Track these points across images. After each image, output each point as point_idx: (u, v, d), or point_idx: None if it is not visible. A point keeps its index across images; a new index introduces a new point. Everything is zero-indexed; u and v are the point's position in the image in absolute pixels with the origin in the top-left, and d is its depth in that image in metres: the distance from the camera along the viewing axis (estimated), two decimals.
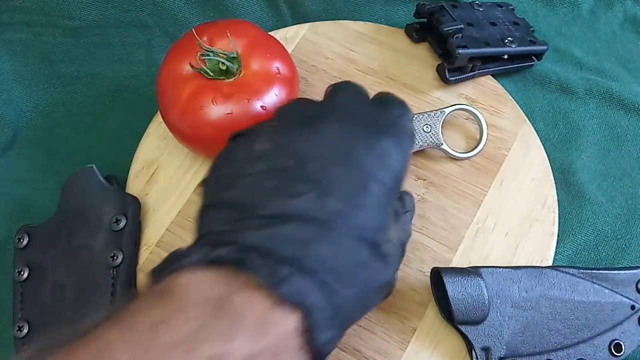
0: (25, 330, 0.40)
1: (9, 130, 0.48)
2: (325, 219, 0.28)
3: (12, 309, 0.41)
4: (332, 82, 0.35)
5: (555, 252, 0.41)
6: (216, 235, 0.28)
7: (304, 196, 0.28)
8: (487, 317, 0.37)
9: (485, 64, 0.45)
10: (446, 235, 0.41)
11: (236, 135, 0.33)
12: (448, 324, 0.38)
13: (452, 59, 0.43)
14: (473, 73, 0.45)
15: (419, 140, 0.42)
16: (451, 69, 0.45)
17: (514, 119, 0.45)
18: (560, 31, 0.50)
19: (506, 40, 0.45)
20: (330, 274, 0.27)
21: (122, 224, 0.41)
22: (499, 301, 0.37)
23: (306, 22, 0.50)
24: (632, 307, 0.37)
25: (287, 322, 0.25)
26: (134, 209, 0.42)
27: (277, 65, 0.39)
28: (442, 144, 0.42)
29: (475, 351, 0.37)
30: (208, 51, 0.38)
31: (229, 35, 0.39)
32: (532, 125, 0.45)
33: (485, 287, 0.37)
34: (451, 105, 0.43)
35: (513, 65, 0.47)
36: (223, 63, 0.38)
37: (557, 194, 0.43)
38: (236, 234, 0.27)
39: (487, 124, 0.43)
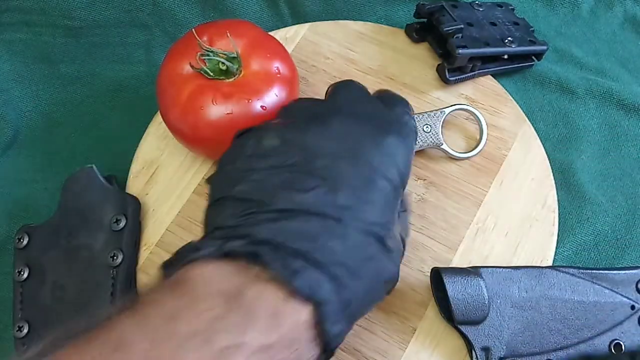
0: (25, 330, 0.40)
1: (9, 130, 0.48)
2: (335, 214, 0.28)
3: (12, 309, 0.41)
4: (332, 82, 0.36)
5: (555, 252, 0.41)
6: (227, 229, 0.29)
7: (314, 191, 0.28)
8: (487, 317, 0.37)
9: (485, 64, 0.45)
10: (446, 235, 0.41)
11: (241, 134, 0.33)
12: (448, 324, 0.38)
13: (452, 59, 0.43)
14: (473, 73, 0.45)
15: (419, 140, 0.42)
16: (451, 69, 0.45)
17: (514, 119, 0.45)
18: (560, 31, 0.50)
19: (506, 40, 0.45)
20: (340, 267, 0.27)
21: (122, 224, 0.41)
22: (499, 301, 0.37)
23: (306, 22, 0.50)
24: (632, 307, 0.37)
25: (300, 315, 0.26)
26: (134, 209, 0.42)
27: (277, 65, 0.39)
28: (442, 144, 0.42)
29: (475, 351, 0.37)
30: (208, 51, 0.38)
31: (229, 35, 0.39)
32: (532, 125, 0.45)
33: (485, 287, 0.37)
34: (451, 105, 0.43)
35: (513, 65, 0.47)
36: (223, 63, 0.38)
37: (557, 194, 0.43)
38: (247, 227, 0.28)
39: (487, 124, 0.43)
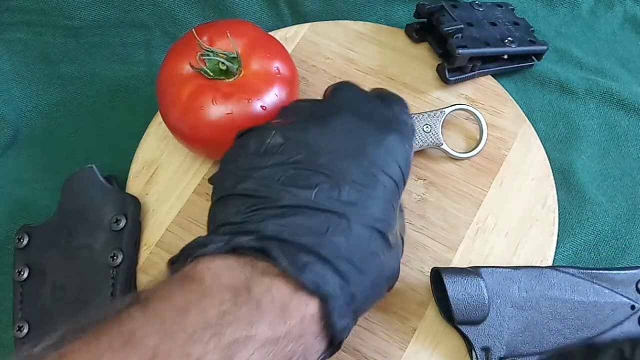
0: (25, 330, 0.40)
1: (9, 130, 0.48)
2: (340, 209, 0.29)
3: (12, 309, 0.41)
4: (332, 82, 0.36)
5: (555, 252, 0.41)
6: (234, 225, 0.29)
7: (318, 187, 0.29)
8: (487, 317, 0.36)
9: (485, 64, 0.45)
10: (446, 235, 0.41)
11: (242, 134, 0.33)
12: (448, 324, 0.38)
13: (452, 59, 0.43)
14: (473, 73, 0.45)
15: (419, 140, 0.42)
16: (451, 69, 0.45)
17: (514, 119, 0.45)
18: (560, 31, 0.50)
19: (506, 40, 0.45)
20: (345, 262, 0.28)
21: (122, 224, 0.41)
22: (499, 301, 0.37)
23: (306, 22, 0.50)
24: (632, 307, 0.37)
25: (307, 309, 0.27)
26: (134, 209, 0.42)
27: (277, 65, 0.39)
28: (442, 144, 0.42)
29: (475, 351, 0.37)
30: (208, 51, 0.38)
31: (229, 35, 0.39)
32: (532, 125, 0.45)
33: (485, 287, 0.37)
34: (451, 105, 0.43)
35: (513, 65, 0.47)
36: (223, 63, 0.38)
37: (557, 194, 0.43)
38: (254, 223, 0.28)
39: (487, 124, 0.43)
